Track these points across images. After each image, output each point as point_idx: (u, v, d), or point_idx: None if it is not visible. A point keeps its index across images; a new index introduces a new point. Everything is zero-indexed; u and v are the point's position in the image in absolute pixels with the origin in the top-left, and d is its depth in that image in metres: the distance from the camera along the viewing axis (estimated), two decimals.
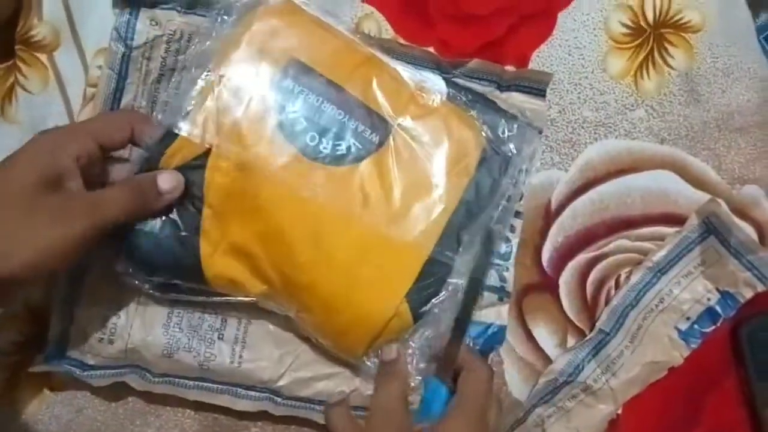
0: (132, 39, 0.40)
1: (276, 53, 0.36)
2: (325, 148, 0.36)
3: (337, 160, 0.36)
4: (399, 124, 0.37)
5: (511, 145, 0.39)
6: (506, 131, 0.39)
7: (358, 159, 0.36)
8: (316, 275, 0.36)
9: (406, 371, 0.37)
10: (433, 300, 0.37)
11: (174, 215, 0.36)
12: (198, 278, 0.37)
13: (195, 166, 0.36)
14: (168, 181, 0.35)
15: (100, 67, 0.41)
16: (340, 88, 0.36)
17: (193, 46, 0.39)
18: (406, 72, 0.38)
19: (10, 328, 0.41)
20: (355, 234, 0.36)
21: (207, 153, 0.36)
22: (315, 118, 0.36)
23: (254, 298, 0.38)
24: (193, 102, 0.36)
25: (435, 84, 0.39)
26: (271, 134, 0.36)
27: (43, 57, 0.42)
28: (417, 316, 0.37)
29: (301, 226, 0.36)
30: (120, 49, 0.40)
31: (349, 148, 0.36)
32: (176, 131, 0.36)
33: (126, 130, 0.35)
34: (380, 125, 0.37)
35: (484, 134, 0.38)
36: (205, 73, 0.36)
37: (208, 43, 0.37)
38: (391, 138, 0.37)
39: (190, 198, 0.36)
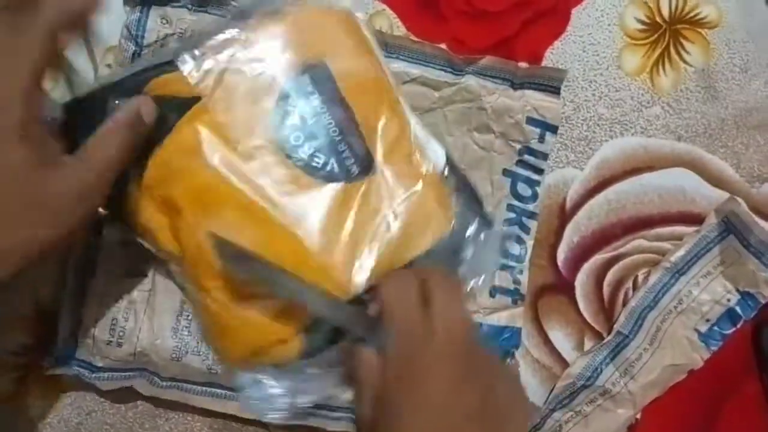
0: (143, 37, 0.39)
1: (310, 47, 0.35)
2: (304, 152, 0.34)
3: (309, 169, 0.34)
4: (382, 171, 0.35)
5: (471, 251, 0.37)
6: (473, 235, 0.37)
7: (329, 179, 0.34)
8: None
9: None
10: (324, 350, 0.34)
11: None
12: (119, 211, 0.35)
13: (174, 106, 0.33)
14: (151, 111, 0.31)
15: (109, 65, 0.40)
16: (349, 109, 0.35)
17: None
18: (416, 128, 0.36)
19: (20, 330, 0.40)
20: (289, 244, 0.34)
21: (193, 101, 0.34)
22: (310, 121, 0.35)
23: (163, 256, 0.36)
24: (208, 45, 0.34)
25: (436, 153, 0.37)
26: (262, 115, 0.34)
27: None
28: (306, 354, 0.34)
29: (240, 210, 0.33)
30: (130, 47, 0.39)
31: (325, 164, 0.34)
32: (178, 63, 0.34)
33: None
34: (365, 162, 0.35)
35: (451, 225, 0.36)
36: (236, 31, 0.34)
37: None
38: (367, 179, 0.35)
39: (151, 131, 0.33)
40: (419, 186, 0.35)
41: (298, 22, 0.35)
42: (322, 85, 0.35)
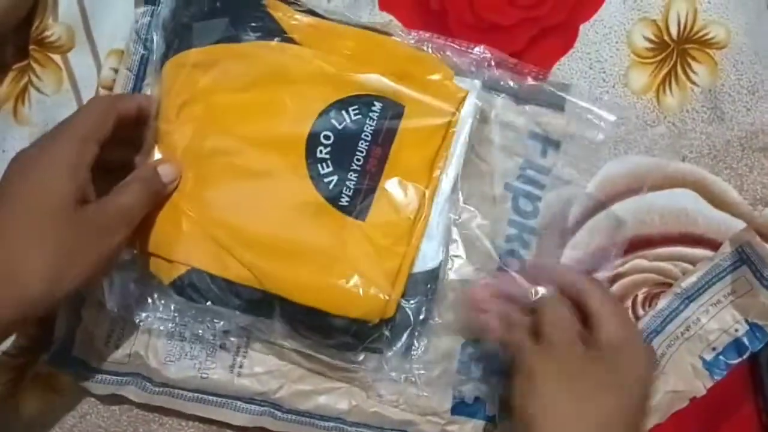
0: (152, 41, 0.36)
1: (411, 89, 0.33)
2: (320, 152, 0.32)
3: (312, 168, 0.32)
4: (365, 224, 0.32)
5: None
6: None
7: (319, 188, 0.32)
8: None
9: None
10: None
11: None
12: None
13: (264, 27, 0.33)
14: (170, 173, 0.32)
15: (115, 69, 0.36)
16: (386, 157, 0.32)
17: None
18: (436, 225, 0.33)
19: (17, 331, 0.36)
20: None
21: (280, 35, 0.33)
22: (348, 135, 0.32)
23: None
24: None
25: (431, 255, 0.33)
26: (317, 98, 0.33)
27: (57, 57, 0.37)
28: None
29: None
30: (139, 51, 0.36)
31: (327, 175, 0.32)
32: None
33: (111, 116, 0.30)
34: (359, 202, 0.32)
35: (378, 320, 0.32)
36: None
37: None
38: (350, 219, 0.32)
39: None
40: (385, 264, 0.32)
41: (427, 66, 0.34)
42: (384, 120, 0.32)
